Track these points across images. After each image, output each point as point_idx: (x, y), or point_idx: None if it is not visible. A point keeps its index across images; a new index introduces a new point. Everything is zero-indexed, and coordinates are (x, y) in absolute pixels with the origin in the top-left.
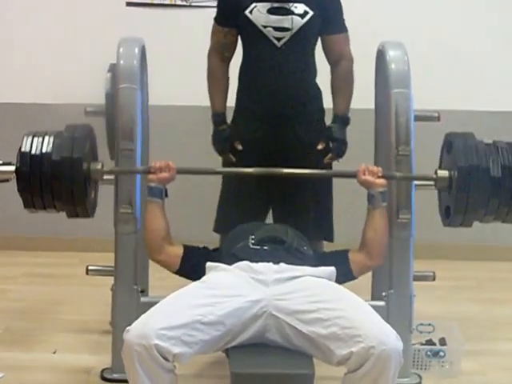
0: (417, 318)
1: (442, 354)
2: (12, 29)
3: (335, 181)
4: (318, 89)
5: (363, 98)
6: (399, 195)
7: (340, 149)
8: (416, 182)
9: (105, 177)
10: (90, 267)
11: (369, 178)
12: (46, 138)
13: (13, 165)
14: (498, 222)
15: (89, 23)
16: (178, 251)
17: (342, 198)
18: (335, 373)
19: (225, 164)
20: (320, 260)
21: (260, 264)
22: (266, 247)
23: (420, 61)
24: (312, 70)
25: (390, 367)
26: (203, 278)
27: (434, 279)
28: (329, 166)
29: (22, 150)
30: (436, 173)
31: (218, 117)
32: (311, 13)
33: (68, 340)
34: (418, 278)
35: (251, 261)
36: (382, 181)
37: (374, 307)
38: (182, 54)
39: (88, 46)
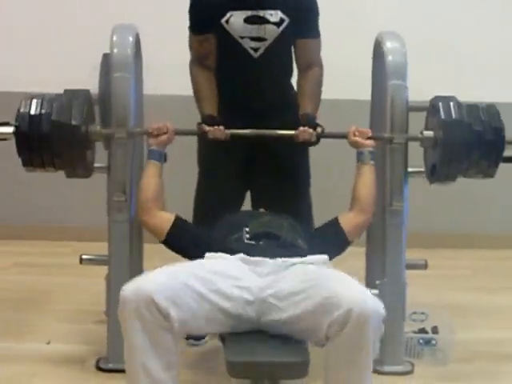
0: (410, 306)
1: (433, 342)
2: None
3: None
4: (295, 93)
5: (360, 88)
6: (392, 182)
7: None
8: (410, 170)
9: (97, 165)
10: (83, 256)
11: (358, 138)
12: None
13: (11, 125)
14: (480, 178)
15: (81, 11)
16: (170, 217)
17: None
18: None
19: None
20: (313, 241)
21: (257, 258)
22: (261, 242)
23: (416, 50)
24: (289, 76)
25: (368, 328)
26: (202, 261)
27: (426, 267)
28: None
29: (22, 110)
30: (422, 133)
31: (210, 118)
32: (287, 20)
33: (62, 330)
34: (410, 267)
35: (248, 255)
36: (370, 141)
37: None
38: (178, 41)
39: (80, 35)
